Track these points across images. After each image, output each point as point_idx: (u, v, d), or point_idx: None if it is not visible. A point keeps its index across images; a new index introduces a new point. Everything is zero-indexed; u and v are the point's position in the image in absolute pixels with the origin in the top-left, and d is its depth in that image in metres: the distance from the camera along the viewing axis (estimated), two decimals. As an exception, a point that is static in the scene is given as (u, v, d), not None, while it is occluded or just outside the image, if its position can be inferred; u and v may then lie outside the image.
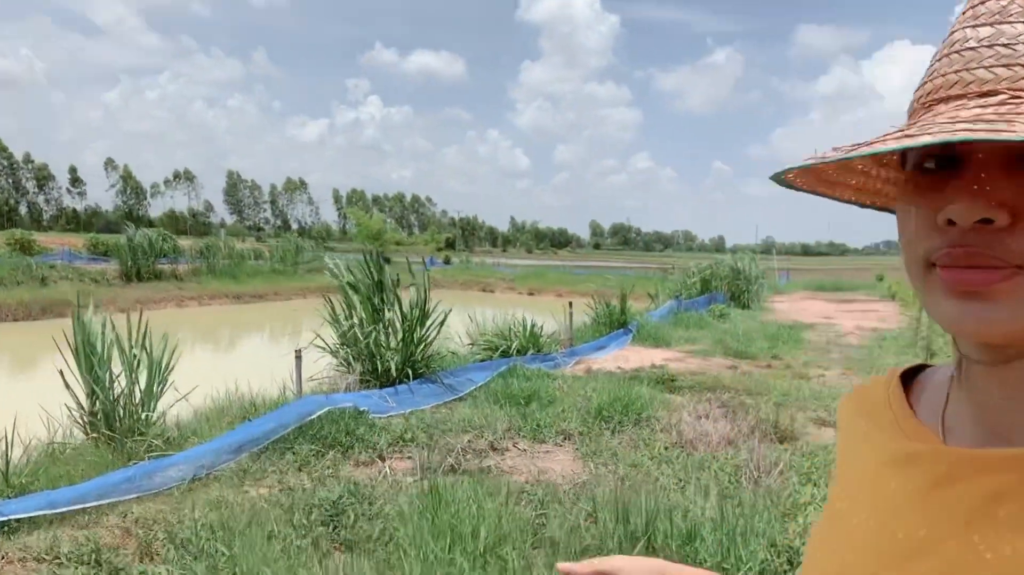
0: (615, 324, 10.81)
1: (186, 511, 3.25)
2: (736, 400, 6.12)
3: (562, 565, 0.65)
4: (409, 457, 4.31)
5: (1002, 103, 0.39)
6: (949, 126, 0.38)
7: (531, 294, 28.63)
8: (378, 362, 5.77)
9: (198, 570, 2.68)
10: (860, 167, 0.54)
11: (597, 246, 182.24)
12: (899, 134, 0.40)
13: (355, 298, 6.18)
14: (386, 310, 6.16)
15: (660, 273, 30.75)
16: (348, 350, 5.99)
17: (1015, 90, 0.40)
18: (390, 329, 6.01)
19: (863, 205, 0.58)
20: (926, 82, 0.46)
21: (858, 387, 0.62)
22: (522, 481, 3.89)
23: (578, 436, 4.85)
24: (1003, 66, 0.41)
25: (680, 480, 3.98)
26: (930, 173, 0.44)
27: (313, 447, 4.21)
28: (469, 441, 4.58)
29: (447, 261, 39.84)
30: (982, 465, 0.45)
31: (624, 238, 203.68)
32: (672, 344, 10.20)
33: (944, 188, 0.43)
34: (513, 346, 7.83)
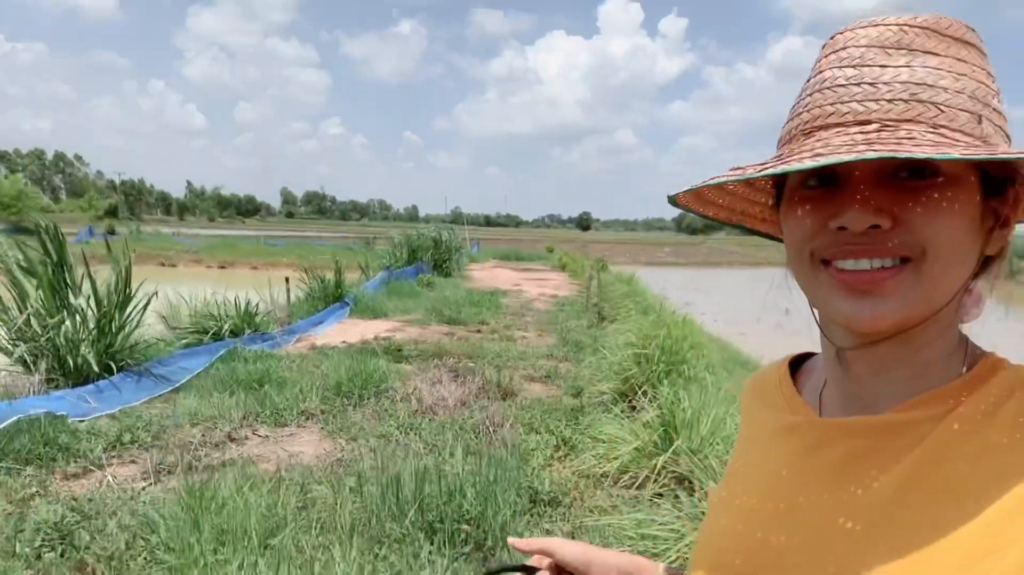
0: (331, 298, 10.67)
1: None
2: (461, 365, 6.64)
3: (513, 540, 0.73)
4: (133, 461, 3.83)
5: (878, 130, 0.47)
6: (850, 148, 0.45)
7: (222, 267, 26.29)
8: (69, 358, 4.91)
9: None
10: (731, 189, 0.62)
11: (290, 215, 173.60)
12: (802, 155, 0.47)
13: (27, 283, 5.13)
14: (71, 295, 5.25)
15: (362, 243, 30.81)
16: (25, 347, 4.97)
17: (884, 120, 0.48)
18: (79, 318, 5.12)
19: (727, 223, 0.67)
20: (801, 112, 0.53)
21: (755, 374, 0.72)
22: (273, 469, 3.77)
23: (321, 415, 4.82)
24: (872, 100, 0.49)
25: (428, 444, 4.26)
26: (813, 189, 0.51)
27: (2, 465, 3.49)
28: (203, 434, 4.24)
29: (111, 231, 34.25)
30: (848, 431, 0.54)
31: (319, 207, 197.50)
32: (389, 315, 10.47)
33: (830, 201, 0.50)
34: (225, 327, 7.27)
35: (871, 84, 0.49)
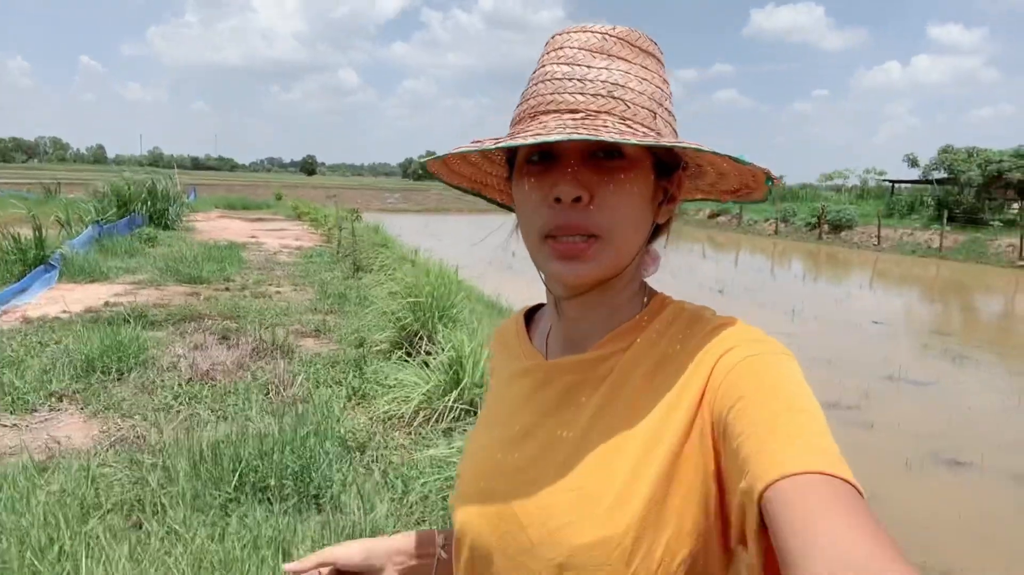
0: (32, 261, 9.00)
1: None
2: (221, 326, 6.31)
3: (288, 566, 0.76)
4: None
5: (584, 117, 0.60)
6: (561, 130, 0.57)
7: None
8: None
9: None
10: (473, 160, 0.74)
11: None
12: (532, 133, 0.59)
13: None
14: None
15: (41, 192, 25.74)
16: None
17: (589, 110, 0.61)
18: None
19: (469, 191, 0.79)
20: (529, 99, 0.65)
21: (500, 326, 0.84)
22: (42, 459, 3.37)
23: (77, 395, 4.31)
24: (580, 93, 0.62)
25: (217, 410, 4.14)
26: (535, 164, 0.63)
27: None
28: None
29: None
30: (564, 368, 0.68)
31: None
32: (112, 277, 9.24)
33: (548, 174, 0.62)
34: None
35: (580, 80, 0.62)
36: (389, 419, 4.29)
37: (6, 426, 3.82)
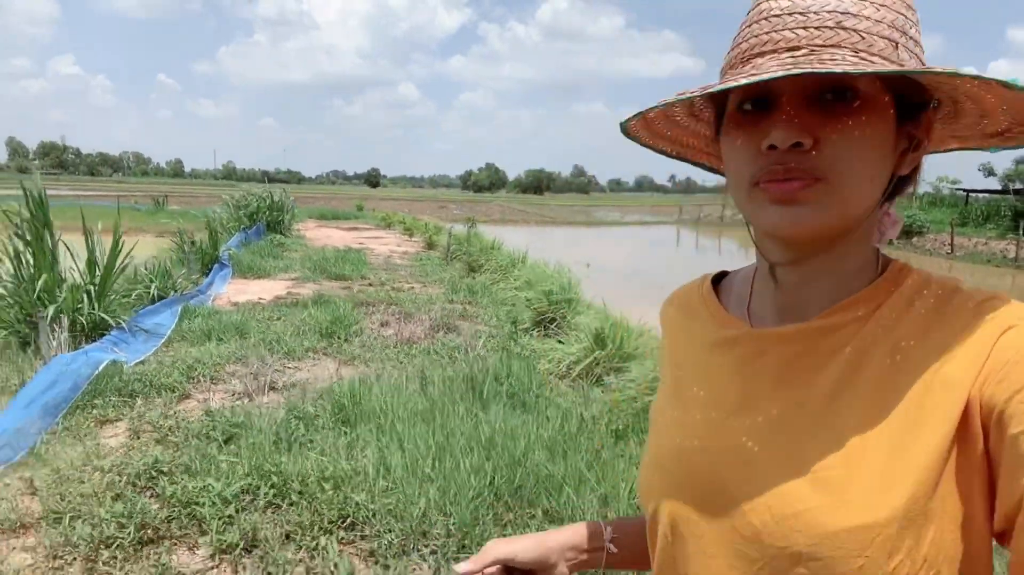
0: (208, 260, 10.89)
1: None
2: (392, 310, 7.86)
3: (461, 566, 0.73)
4: (223, 391, 4.70)
5: (807, 54, 0.53)
6: (773, 69, 0.50)
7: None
8: (79, 316, 5.35)
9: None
10: (678, 118, 0.67)
11: (23, 169, 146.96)
12: (742, 76, 0.52)
13: (16, 240, 5.39)
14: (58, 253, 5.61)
15: (150, 204, 28.67)
16: (51, 307, 5.30)
17: (812, 46, 0.53)
18: (79, 278, 5.52)
19: (672, 155, 0.72)
20: (741, 43, 0.58)
21: (675, 292, 0.79)
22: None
23: (326, 350, 5.90)
24: (802, 28, 0.54)
25: (438, 360, 5.61)
26: (750, 112, 0.56)
27: (127, 399, 4.24)
28: (273, 366, 5.15)
29: None
30: (783, 338, 0.61)
31: (59, 160, 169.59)
32: (272, 274, 11.03)
33: (761, 123, 0.55)
34: (152, 289, 7.66)
35: (802, 14, 0.54)
36: (550, 374, 5.68)
37: (291, 368, 5.39)
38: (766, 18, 0.56)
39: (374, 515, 2.93)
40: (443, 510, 2.93)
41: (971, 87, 0.53)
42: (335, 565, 2.62)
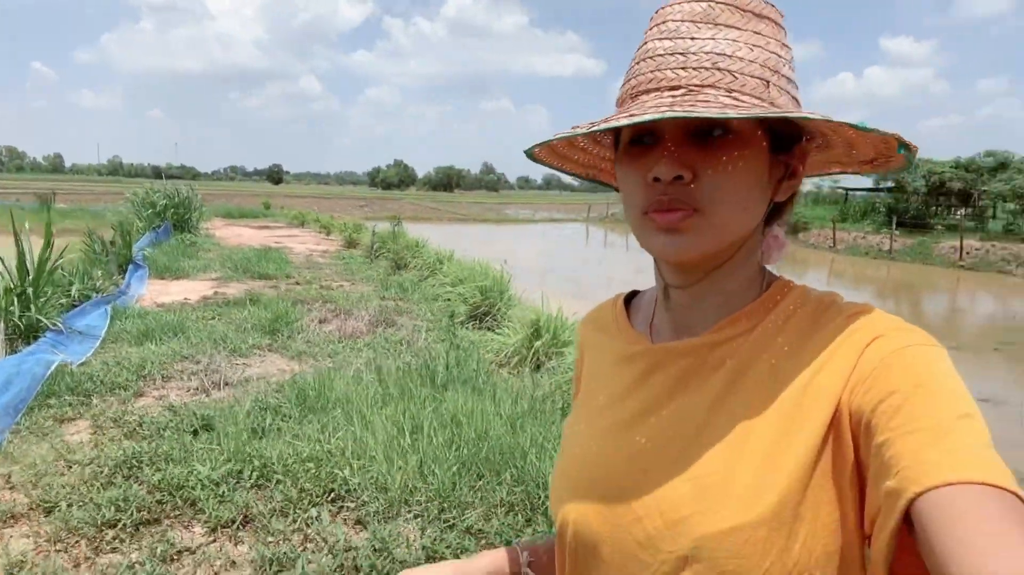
0: (123, 260, 10.50)
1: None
2: (327, 307, 7.98)
3: None
4: (178, 388, 4.76)
5: (684, 94, 0.57)
6: (655, 110, 0.53)
7: None
8: (15, 319, 5.22)
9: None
10: (582, 145, 0.72)
11: None
12: (626, 115, 0.55)
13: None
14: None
15: (36, 202, 26.85)
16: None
17: (690, 86, 0.57)
18: (10, 281, 5.36)
19: (583, 177, 0.77)
20: (630, 79, 0.62)
21: (591, 312, 0.83)
22: (288, 376, 5.06)
23: (271, 347, 6.00)
24: (681, 68, 0.58)
25: (384, 352, 5.85)
26: (639, 145, 0.61)
27: (82, 399, 4.26)
28: (222, 363, 5.21)
29: None
30: (676, 352, 0.66)
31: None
32: (191, 274, 10.78)
33: (648, 156, 0.59)
34: (74, 290, 7.43)
35: (682, 54, 0.58)
36: (491, 362, 6.06)
37: (239, 364, 5.49)
38: (651, 57, 0.60)
39: (358, 487, 3.21)
40: (424, 479, 3.25)
41: (833, 125, 0.56)
42: (330, 531, 2.89)
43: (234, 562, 2.70)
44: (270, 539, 2.83)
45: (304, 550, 2.77)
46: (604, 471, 0.66)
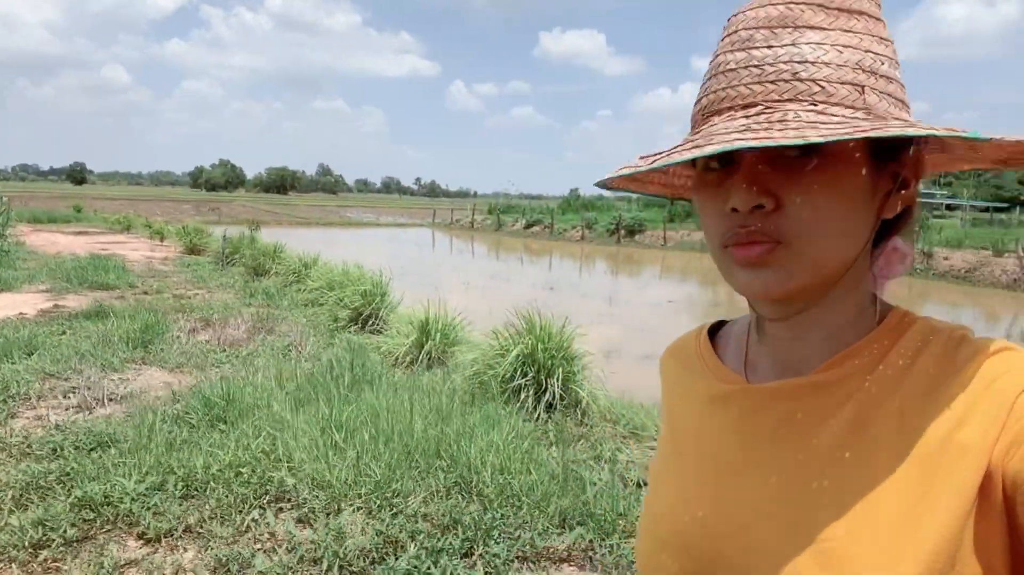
0: (-75, 272, 9.10)
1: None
2: (193, 317, 7.56)
3: None
4: (56, 407, 4.37)
5: (759, 113, 0.50)
6: (724, 136, 0.47)
7: None
8: None
9: None
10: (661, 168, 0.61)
11: None
12: (690, 146, 0.49)
13: None
14: None
15: None
16: None
17: (767, 102, 0.51)
18: None
19: (668, 197, 0.70)
20: (702, 98, 0.56)
21: (674, 343, 0.76)
22: (195, 383, 4.84)
23: (145, 359, 5.64)
24: (756, 83, 0.52)
25: (273, 358, 5.73)
26: (714, 171, 0.55)
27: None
28: (97, 379, 4.81)
29: None
30: (779, 394, 0.58)
31: None
32: (14, 287, 9.61)
33: (725, 183, 0.53)
34: None
35: (757, 67, 0.52)
36: (384, 364, 6.17)
37: (114, 380, 5.14)
38: (723, 72, 0.54)
39: (296, 487, 3.27)
40: (360, 472, 3.38)
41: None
42: (278, 530, 2.94)
43: (184, 568, 2.68)
44: (214, 543, 2.83)
45: (260, 549, 2.81)
46: (704, 536, 0.59)
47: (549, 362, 4.83)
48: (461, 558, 2.79)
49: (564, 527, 3.08)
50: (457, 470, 3.47)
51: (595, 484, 3.45)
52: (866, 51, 0.52)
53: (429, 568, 2.67)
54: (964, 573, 0.47)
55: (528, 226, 39.32)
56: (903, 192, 0.55)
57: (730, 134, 0.47)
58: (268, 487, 3.26)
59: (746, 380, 0.63)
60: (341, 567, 2.70)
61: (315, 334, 6.98)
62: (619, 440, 4.33)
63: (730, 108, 0.52)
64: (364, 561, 2.74)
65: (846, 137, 0.44)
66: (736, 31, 0.55)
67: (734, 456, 0.60)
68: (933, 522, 0.48)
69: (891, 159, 0.54)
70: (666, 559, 0.61)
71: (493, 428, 3.95)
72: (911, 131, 0.45)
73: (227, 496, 3.16)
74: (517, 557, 2.85)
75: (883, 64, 0.53)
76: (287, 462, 3.47)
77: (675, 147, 0.52)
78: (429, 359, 6.19)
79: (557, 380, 4.75)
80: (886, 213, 0.55)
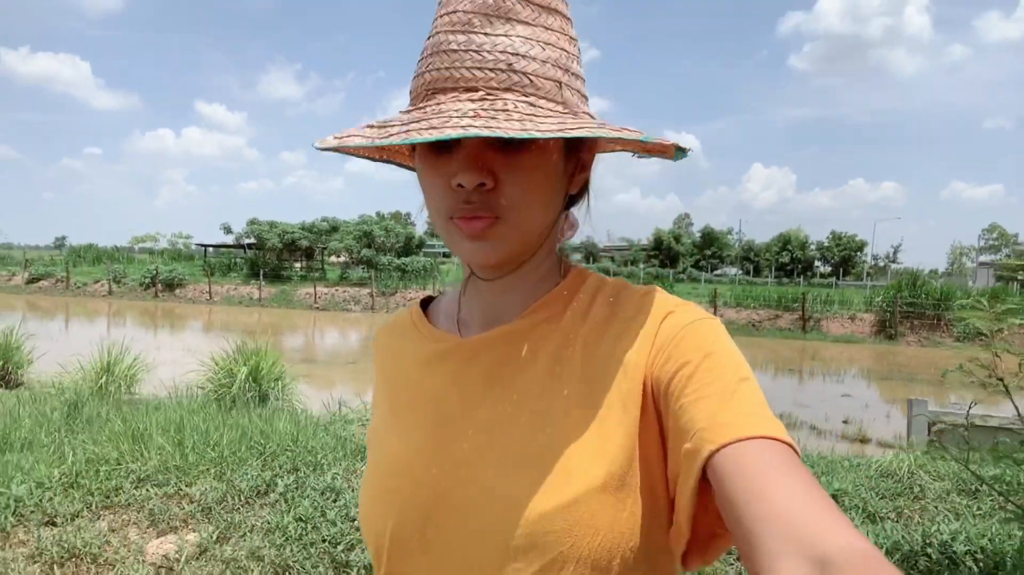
0: None
1: None
2: None
3: None
4: None
5: (482, 99, 0.55)
6: (457, 120, 0.53)
7: None
8: None
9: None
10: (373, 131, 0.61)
11: None
12: (426, 126, 0.53)
13: None
14: None
15: None
16: None
17: (488, 88, 0.56)
18: None
19: (377, 160, 0.74)
20: (424, 72, 0.61)
21: (384, 324, 0.82)
22: None
23: None
24: (478, 68, 0.57)
25: None
26: (437, 150, 0.61)
27: None
28: None
29: None
30: (489, 343, 0.67)
31: None
32: None
33: (450, 161, 0.60)
34: None
35: (477, 51, 0.58)
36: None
37: None
38: (445, 51, 0.59)
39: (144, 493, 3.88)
40: (202, 455, 4.16)
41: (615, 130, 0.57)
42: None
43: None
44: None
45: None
46: (430, 472, 0.64)
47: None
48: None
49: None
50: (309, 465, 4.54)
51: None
52: (562, 49, 0.62)
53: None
54: (639, 466, 0.58)
55: (34, 280, 33.07)
56: (583, 173, 0.68)
57: (462, 118, 0.53)
58: (116, 498, 3.79)
59: (460, 337, 0.71)
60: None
61: None
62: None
63: (454, 89, 0.58)
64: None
65: (560, 135, 0.52)
66: (455, 11, 0.60)
67: (453, 404, 0.67)
68: (618, 429, 0.59)
69: (578, 146, 0.66)
70: (393, 505, 0.66)
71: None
72: (603, 133, 0.55)
73: (78, 502, 3.61)
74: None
75: (573, 62, 0.63)
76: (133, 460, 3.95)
77: (407, 123, 0.56)
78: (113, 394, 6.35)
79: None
80: (572, 189, 0.68)
